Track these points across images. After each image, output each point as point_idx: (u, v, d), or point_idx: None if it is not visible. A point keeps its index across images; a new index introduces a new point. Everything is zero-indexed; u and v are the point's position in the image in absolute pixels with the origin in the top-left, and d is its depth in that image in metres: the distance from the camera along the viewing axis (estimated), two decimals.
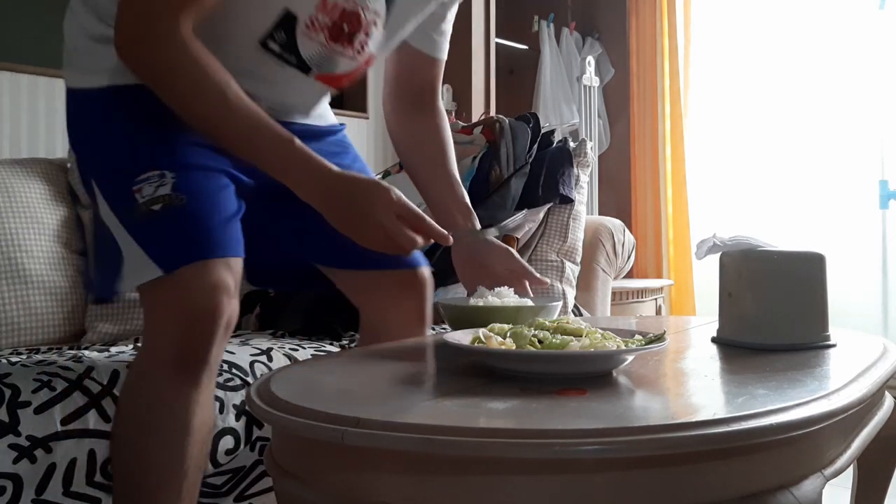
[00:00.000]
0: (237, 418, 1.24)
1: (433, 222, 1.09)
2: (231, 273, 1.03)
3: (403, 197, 1.09)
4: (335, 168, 1.09)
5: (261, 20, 1.13)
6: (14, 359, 1.33)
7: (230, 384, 1.25)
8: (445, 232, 1.11)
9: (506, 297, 1.15)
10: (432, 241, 1.11)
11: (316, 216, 1.15)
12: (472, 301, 1.15)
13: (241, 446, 1.22)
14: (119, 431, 1.06)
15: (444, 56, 1.44)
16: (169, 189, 1.04)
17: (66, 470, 1.07)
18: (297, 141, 1.08)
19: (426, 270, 1.32)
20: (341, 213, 1.08)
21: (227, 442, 1.22)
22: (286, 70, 1.17)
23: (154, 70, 1.04)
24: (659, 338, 0.91)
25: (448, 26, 1.41)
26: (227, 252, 1.05)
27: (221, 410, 1.22)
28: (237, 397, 1.25)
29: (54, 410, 1.10)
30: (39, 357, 1.33)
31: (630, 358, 0.89)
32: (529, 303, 1.16)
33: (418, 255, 1.32)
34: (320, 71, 1.20)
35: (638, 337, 0.93)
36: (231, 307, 1.02)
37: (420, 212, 1.09)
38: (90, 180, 1.13)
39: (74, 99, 1.17)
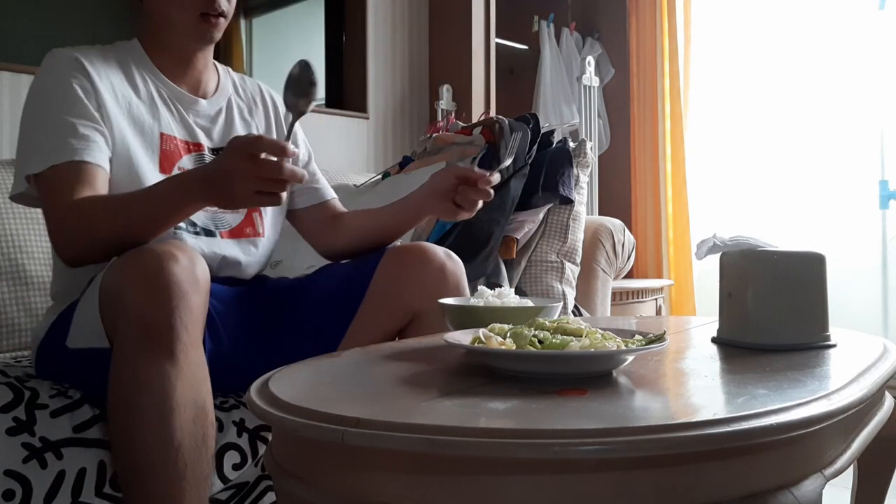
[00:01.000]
0: (238, 434, 1.23)
1: (269, 138, 1.06)
2: (182, 255, 1.05)
3: (249, 136, 1.07)
4: (199, 168, 1.17)
5: None
6: (20, 364, 1.34)
7: (225, 406, 1.24)
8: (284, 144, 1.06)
9: (506, 297, 1.16)
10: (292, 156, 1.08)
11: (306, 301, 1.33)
12: (473, 301, 1.15)
13: (249, 461, 1.22)
14: (109, 414, 1.06)
15: (332, 194, 1.58)
16: None
17: (75, 479, 1.07)
18: (174, 175, 1.23)
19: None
20: (218, 188, 1.08)
21: (233, 457, 1.21)
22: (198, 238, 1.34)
23: (75, 234, 1.16)
24: (659, 338, 0.91)
25: (318, 174, 1.57)
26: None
27: (221, 429, 1.20)
28: (237, 415, 1.24)
29: (68, 417, 1.11)
30: None
31: (630, 358, 0.89)
32: (529, 303, 1.16)
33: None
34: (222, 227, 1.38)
35: (638, 337, 0.93)
36: (183, 273, 1.02)
37: (259, 135, 1.06)
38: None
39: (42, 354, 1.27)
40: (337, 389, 0.86)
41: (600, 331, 0.91)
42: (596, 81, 3.52)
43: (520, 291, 2.21)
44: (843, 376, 0.87)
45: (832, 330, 1.12)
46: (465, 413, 0.72)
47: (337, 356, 1.03)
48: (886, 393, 1.07)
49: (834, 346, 1.09)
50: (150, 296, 1.00)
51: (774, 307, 1.09)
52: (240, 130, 1.44)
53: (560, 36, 3.72)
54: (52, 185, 1.19)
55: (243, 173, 1.04)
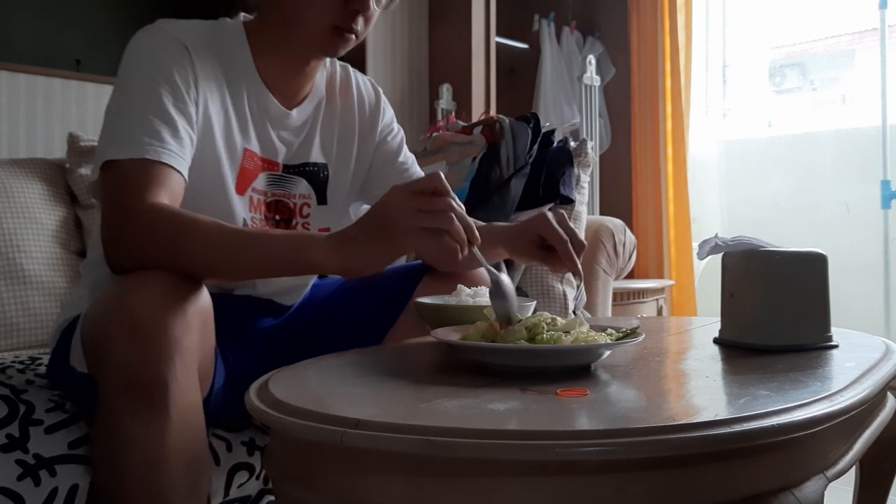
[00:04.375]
0: (249, 453, 1.22)
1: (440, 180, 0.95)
2: (174, 291, 0.95)
3: (410, 182, 0.97)
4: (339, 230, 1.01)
5: None
6: (19, 366, 1.33)
7: (233, 426, 1.22)
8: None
9: (480, 297, 1.16)
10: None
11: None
12: (447, 300, 1.15)
13: (249, 478, 1.22)
14: (94, 462, 1.02)
15: None
16: None
17: (66, 495, 1.06)
18: (295, 232, 1.06)
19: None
20: (372, 229, 0.96)
21: (242, 476, 1.20)
22: None
23: (143, 242, 1.00)
24: (633, 331, 0.94)
25: (412, 166, 1.43)
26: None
27: (230, 448, 1.19)
28: (246, 434, 1.23)
29: (64, 433, 1.10)
30: (44, 370, 1.32)
31: (639, 339, 0.92)
32: None
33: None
34: None
35: (610, 330, 0.96)
36: (174, 317, 0.92)
37: (428, 177, 0.96)
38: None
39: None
40: (336, 390, 0.85)
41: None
42: (597, 81, 3.51)
43: (520, 292, 2.21)
44: (845, 377, 0.87)
45: (834, 330, 1.12)
46: (464, 414, 0.72)
47: (337, 357, 1.03)
48: (889, 394, 1.07)
49: (836, 346, 1.09)
50: (137, 348, 0.90)
51: (776, 307, 1.08)
52: (317, 145, 1.32)
53: (561, 35, 3.71)
54: (127, 177, 1.04)
55: (401, 206, 0.93)
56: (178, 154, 1.08)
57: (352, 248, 0.97)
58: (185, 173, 1.10)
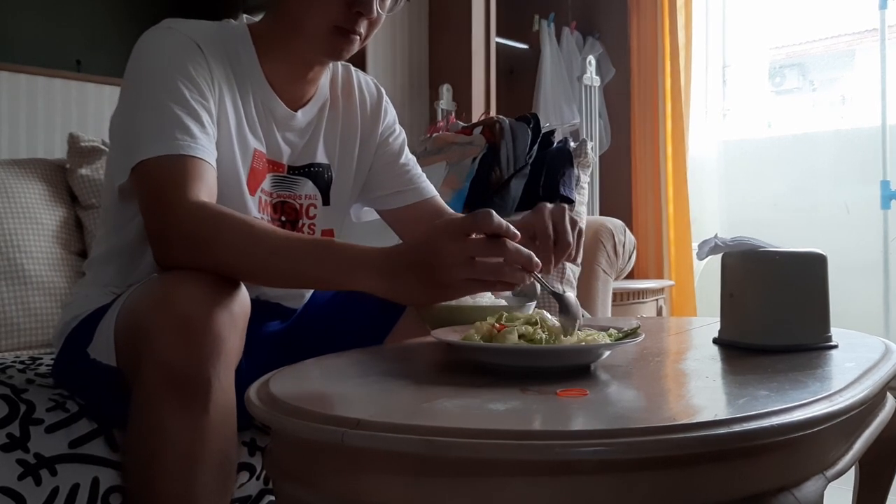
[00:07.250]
0: (251, 454, 1.22)
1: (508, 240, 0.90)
2: (221, 290, 0.97)
3: (468, 219, 0.91)
4: (381, 248, 0.98)
5: None
6: (19, 366, 1.33)
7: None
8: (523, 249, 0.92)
9: (480, 297, 1.16)
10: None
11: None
12: (446, 301, 1.15)
13: (250, 478, 1.22)
14: (126, 459, 1.02)
15: (433, 192, 1.43)
16: None
17: (68, 495, 1.06)
18: (334, 241, 1.04)
19: None
20: (413, 273, 0.94)
21: (243, 476, 1.20)
22: None
23: (182, 240, 1.01)
24: (634, 331, 0.94)
25: (415, 170, 1.42)
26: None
27: None
28: (248, 435, 1.23)
29: (64, 432, 1.10)
30: (45, 369, 1.32)
31: (638, 339, 0.92)
32: (503, 302, 1.16)
33: None
34: None
35: (613, 330, 0.96)
36: (222, 316, 0.94)
37: (470, 214, 0.91)
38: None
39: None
40: (337, 390, 0.86)
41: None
42: (596, 81, 3.52)
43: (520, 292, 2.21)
44: (844, 377, 0.87)
45: (833, 330, 1.12)
46: (464, 414, 0.72)
47: (337, 357, 1.03)
48: (888, 394, 1.07)
49: (835, 346, 1.09)
50: (184, 345, 0.91)
51: (776, 308, 1.08)
52: (321, 146, 1.32)
53: (560, 35, 3.71)
54: (166, 175, 1.04)
55: (455, 257, 0.89)
56: (209, 148, 1.09)
57: (400, 285, 0.95)
58: (215, 167, 1.11)
